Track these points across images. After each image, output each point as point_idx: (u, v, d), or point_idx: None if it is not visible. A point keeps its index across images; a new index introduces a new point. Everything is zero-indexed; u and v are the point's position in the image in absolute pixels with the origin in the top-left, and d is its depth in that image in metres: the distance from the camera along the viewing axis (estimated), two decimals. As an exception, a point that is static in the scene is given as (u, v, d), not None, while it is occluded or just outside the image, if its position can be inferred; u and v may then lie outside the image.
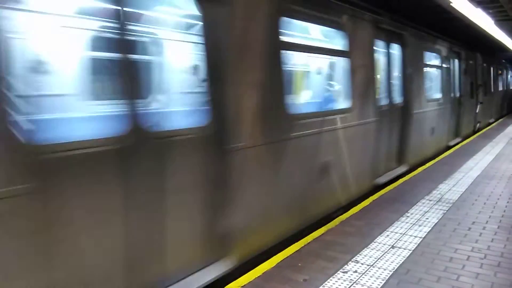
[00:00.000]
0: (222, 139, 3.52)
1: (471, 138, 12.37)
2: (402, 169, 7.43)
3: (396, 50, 7.34)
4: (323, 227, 4.74)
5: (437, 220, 4.98)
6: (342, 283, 3.47)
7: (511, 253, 4.05)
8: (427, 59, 8.81)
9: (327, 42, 5.93)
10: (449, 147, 10.39)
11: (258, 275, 3.62)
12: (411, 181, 6.95)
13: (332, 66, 6.67)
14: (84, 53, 4.45)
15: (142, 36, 4.65)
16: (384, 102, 6.80)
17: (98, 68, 4.49)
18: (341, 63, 5.68)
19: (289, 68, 5.92)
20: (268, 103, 4.04)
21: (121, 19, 2.83)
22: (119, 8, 2.83)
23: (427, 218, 5.05)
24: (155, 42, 4.88)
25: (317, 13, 4.99)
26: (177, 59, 4.89)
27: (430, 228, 4.72)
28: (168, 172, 3.11)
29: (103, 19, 4.09)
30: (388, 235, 4.52)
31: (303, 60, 7.13)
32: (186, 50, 4.87)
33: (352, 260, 3.91)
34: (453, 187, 6.48)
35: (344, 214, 5.20)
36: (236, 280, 3.52)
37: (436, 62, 9.83)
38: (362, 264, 3.83)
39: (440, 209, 5.39)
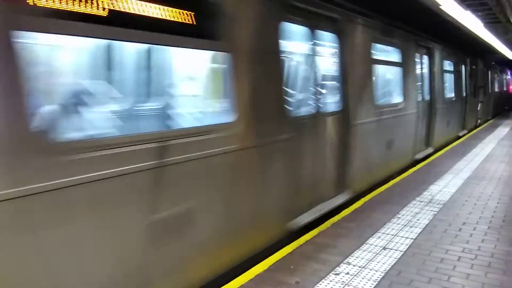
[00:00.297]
0: (349, 118, 5.81)
1: (473, 131, 14.86)
2: (429, 150, 9.78)
3: (437, 61, 10.55)
4: (315, 229, 4.74)
5: (428, 221, 5.01)
6: (334, 285, 3.47)
7: (501, 253, 4.09)
8: (447, 66, 11.65)
9: (393, 58, 7.85)
10: (459, 137, 12.94)
11: (250, 278, 3.61)
12: (402, 183, 6.98)
13: (394, 73, 8.21)
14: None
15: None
16: (420, 98, 9.15)
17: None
18: (397, 71, 8.01)
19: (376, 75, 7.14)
20: (367, 97, 6.46)
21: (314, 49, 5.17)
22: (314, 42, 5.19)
23: (418, 219, 5.08)
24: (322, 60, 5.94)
25: (392, 39, 7.52)
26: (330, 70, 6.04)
27: (421, 229, 4.74)
28: (330, 136, 5.56)
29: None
30: (379, 237, 4.54)
31: (382, 69, 7.76)
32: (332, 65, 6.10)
33: (344, 262, 3.92)
34: (443, 188, 6.53)
35: (335, 216, 5.21)
36: (228, 284, 3.51)
37: (451, 68, 12.26)
38: (354, 266, 3.83)
39: (431, 210, 5.42)
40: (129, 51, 4.07)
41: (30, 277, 2.32)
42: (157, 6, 2.96)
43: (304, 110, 5.06)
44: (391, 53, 7.66)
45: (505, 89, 27.60)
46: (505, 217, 5.14)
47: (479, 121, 16.72)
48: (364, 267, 3.81)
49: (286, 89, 4.55)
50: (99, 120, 3.39)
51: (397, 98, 7.85)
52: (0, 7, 2.12)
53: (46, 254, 2.38)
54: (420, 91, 9.06)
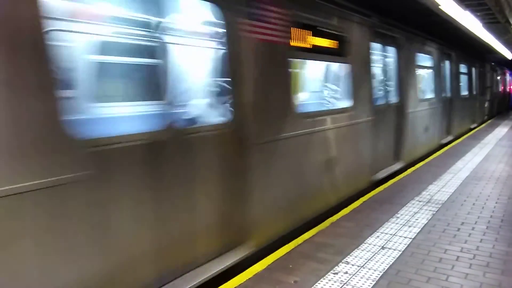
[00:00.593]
0: (404, 108, 8.13)
1: (482, 125, 16.86)
2: (449, 138, 11.95)
3: (464, 67, 13.83)
4: (313, 229, 4.74)
5: (427, 221, 5.01)
6: (332, 284, 3.48)
7: (499, 253, 4.09)
8: (462, 69, 13.61)
9: (428, 63, 10.06)
10: (471, 129, 15.17)
11: (249, 277, 3.61)
12: (401, 182, 6.99)
13: (428, 75, 10.44)
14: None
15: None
16: (444, 95, 11.37)
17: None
18: (431, 73, 10.32)
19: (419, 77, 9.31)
20: (414, 93, 8.76)
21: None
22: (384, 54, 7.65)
23: (416, 219, 5.08)
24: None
25: (427, 49, 9.74)
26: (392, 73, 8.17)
27: (419, 229, 4.75)
28: (393, 120, 7.73)
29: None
30: (378, 236, 4.54)
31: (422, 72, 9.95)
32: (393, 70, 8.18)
33: (342, 261, 3.92)
34: (442, 188, 6.54)
35: (334, 216, 5.21)
36: (226, 283, 3.51)
37: (465, 70, 14.26)
38: (352, 265, 3.84)
39: (430, 210, 5.43)
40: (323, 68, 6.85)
41: None
42: (327, 40, 5.40)
43: (380, 102, 7.25)
44: (428, 60, 9.98)
45: (507, 89, 28.60)
46: (504, 217, 5.14)
47: (485, 117, 18.90)
48: (362, 266, 3.81)
49: (371, 86, 6.67)
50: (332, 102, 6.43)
51: (431, 95, 10.19)
52: (284, 47, 4.42)
53: None
54: (444, 89, 11.36)
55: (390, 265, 3.83)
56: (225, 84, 3.84)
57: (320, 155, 5.15)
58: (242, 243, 3.88)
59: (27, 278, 2.30)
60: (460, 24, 8.50)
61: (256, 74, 3.96)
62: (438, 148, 10.62)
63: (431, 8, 6.72)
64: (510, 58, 19.91)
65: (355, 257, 4.02)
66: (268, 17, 4.10)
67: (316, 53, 5.24)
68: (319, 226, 4.84)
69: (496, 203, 5.75)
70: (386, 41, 7.44)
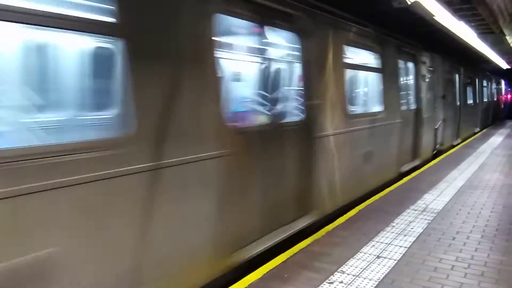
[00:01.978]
0: (421, 113, 9.34)
1: (484, 130, 18.39)
2: (458, 141, 13.37)
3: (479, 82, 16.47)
4: (309, 238, 4.75)
5: (422, 230, 5.02)
6: (327, 294, 3.48)
7: (494, 262, 4.11)
8: (468, 81, 15.18)
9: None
10: (475, 133, 16.51)
11: (244, 286, 3.60)
12: (396, 191, 7.01)
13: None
14: None
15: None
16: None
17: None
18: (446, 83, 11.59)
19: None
20: (431, 101, 10.10)
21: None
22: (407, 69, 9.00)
23: (412, 228, 5.10)
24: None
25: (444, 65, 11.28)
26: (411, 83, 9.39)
27: (415, 238, 4.76)
28: (414, 123, 8.92)
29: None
30: (373, 245, 4.55)
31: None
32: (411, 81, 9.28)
33: (338, 270, 3.92)
34: (437, 197, 6.56)
35: (330, 225, 5.22)
36: (222, 292, 3.50)
37: (470, 82, 15.88)
38: (348, 274, 3.84)
39: (425, 219, 5.44)
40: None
41: None
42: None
43: (404, 107, 8.43)
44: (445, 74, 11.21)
45: (503, 97, 29.47)
46: (498, 226, 5.16)
47: (489, 122, 21.29)
48: (358, 275, 3.81)
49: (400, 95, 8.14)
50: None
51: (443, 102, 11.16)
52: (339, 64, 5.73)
53: None
54: (455, 98, 13.22)
55: (386, 274, 3.84)
56: (301, 92, 5.18)
57: (362, 148, 6.45)
58: (419, 158, 8.17)
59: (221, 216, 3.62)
60: (455, 34, 8.59)
61: (320, 85, 5.25)
62: (450, 148, 12.06)
63: (426, 19, 6.80)
64: (504, 68, 20.09)
65: (351, 266, 4.02)
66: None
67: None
68: (314, 235, 4.85)
69: (491, 212, 5.77)
70: (407, 57, 8.65)
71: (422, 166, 9.26)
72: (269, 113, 4.57)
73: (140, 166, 2.84)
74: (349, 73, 6.24)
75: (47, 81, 4.43)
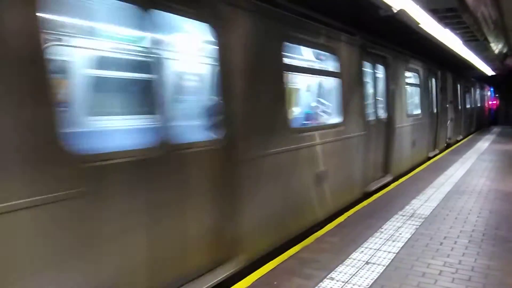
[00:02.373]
0: (425, 119, 11.07)
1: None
2: (459, 137, 14.47)
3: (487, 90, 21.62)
4: (298, 244, 4.74)
5: (410, 235, 5.06)
6: (317, 300, 3.47)
7: (481, 267, 4.14)
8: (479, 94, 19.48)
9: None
10: (471, 132, 18.62)
11: (233, 294, 3.58)
12: (385, 197, 7.05)
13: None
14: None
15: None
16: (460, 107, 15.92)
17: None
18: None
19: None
20: (429, 105, 11.68)
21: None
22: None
23: (400, 234, 5.13)
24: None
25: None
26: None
27: (403, 244, 4.79)
28: (420, 128, 10.63)
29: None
30: (362, 251, 4.56)
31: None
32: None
33: (327, 277, 3.92)
34: (425, 202, 6.61)
35: (319, 231, 5.23)
36: (211, 300, 3.47)
37: (467, 90, 18.48)
38: (337, 281, 3.84)
39: (413, 224, 5.48)
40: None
41: None
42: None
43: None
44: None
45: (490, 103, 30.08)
46: (485, 231, 5.22)
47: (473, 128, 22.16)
48: (347, 282, 3.82)
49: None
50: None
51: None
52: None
53: None
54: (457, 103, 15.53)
55: (374, 280, 3.85)
56: (384, 100, 6.99)
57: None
58: (436, 148, 12.24)
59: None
60: (441, 41, 8.72)
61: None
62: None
63: (411, 27, 6.89)
64: (489, 75, 20.41)
65: (340, 272, 4.02)
66: None
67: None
68: (303, 241, 4.85)
69: (477, 217, 5.84)
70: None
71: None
72: None
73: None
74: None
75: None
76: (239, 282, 3.80)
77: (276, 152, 4.56)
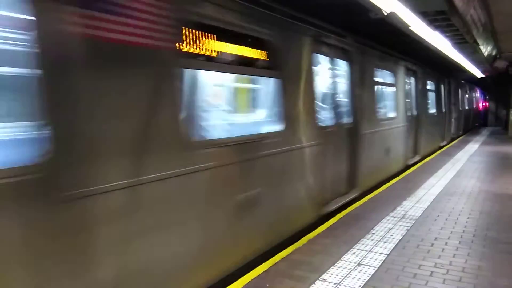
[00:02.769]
0: (418, 121, 11.73)
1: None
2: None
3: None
4: (290, 246, 4.75)
5: (401, 237, 5.08)
6: (309, 302, 3.47)
7: (472, 268, 4.18)
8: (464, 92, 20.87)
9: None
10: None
11: (225, 297, 3.57)
12: (376, 198, 7.08)
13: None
14: None
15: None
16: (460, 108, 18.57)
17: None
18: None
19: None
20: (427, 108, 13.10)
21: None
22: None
23: (391, 235, 5.15)
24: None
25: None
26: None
27: (394, 245, 4.81)
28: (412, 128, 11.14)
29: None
30: (354, 253, 4.58)
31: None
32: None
33: (319, 279, 3.93)
34: (416, 204, 6.66)
35: (311, 233, 5.23)
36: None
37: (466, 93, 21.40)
38: (329, 282, 3.85)
39: (404, 226, 5.51)
40: None
41: None
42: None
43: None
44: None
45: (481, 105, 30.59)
46: (476, 232, 5.27)
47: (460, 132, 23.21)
48: (339, 283, 3.83)
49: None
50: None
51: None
52: None
53: None
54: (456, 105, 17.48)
55: (366, 281, 3.86)
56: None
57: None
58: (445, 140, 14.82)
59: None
60: (431, 44, 8.79)
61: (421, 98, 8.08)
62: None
63: (402, 29, 6.94)
64: (479, 77, 20.64)
65: (332, 274, 4.03)
66: None
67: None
68: (296, 244, 4.85)
69: (468, 218, 5.88)
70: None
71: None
72: None
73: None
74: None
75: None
76: (232, 285, 3.79)
77: (372, 132, 7.58)
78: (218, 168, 3.80)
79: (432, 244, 4.84)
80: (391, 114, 9.36)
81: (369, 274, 4.03)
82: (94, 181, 2.68)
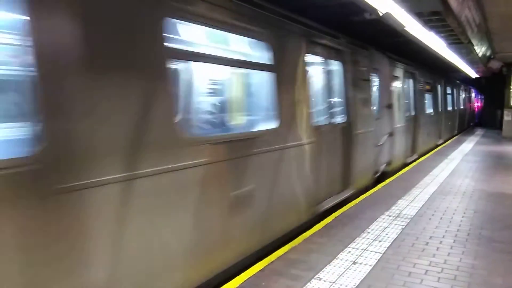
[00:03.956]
0: (417, 121, 12.07)
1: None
2: (455, 133, 15.63)
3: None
4: (286, 245, 4.76)
5: (396, 236, 5.12)
6: (305, 301, 3.49)
7: (466, 266, 4.21)
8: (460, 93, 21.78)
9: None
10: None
11: (221, 295, 3.58)
12: (371, 197, 7.11)
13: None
14: None
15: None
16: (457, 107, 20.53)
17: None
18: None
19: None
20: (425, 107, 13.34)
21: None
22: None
23: (386, 234, 5.18)
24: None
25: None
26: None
27: (389, 244, 4.84)
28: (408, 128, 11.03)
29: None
30: (349, 251, 4.60)
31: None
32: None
33: (315, 277, 3.95)
34: (411, 203, 6.69)
35: (307, 232, 5.25)
36: (199, 302, 3.45)
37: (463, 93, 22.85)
38: (324, 281, 3.87)
39: (399, 225, 5.55)
40: None
41: None
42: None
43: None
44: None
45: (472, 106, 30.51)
46: (470, 231, 5.30)
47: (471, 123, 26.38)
48: (334, 282, 3.85)
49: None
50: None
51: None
52: None
53: None
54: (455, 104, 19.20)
55: (361, 280, 3.89)
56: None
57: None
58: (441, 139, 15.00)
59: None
60: (426, 44, 8.84)
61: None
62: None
63: (398, 30, 6.98)
64: (474, 77, 20.76)
65: (327, 273, 4.05)
66: None
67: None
68: (291, 242, 4.87)
69: (462, 217, 5.93)
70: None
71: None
72: None
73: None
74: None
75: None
76: (227, 284, 3.80)
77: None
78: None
79: (427, 243, 4.88)
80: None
81: (365, 272, 4.05)
82: (358, 129, 6.79)
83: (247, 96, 5.35)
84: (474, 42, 10.84)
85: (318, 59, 6.18)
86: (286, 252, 4.57)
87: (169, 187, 3.32)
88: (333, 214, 6.04)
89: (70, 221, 2.58)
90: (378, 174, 8.52)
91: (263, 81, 4.89)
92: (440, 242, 4.90)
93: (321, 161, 5.98)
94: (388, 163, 9.12)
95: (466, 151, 13.64)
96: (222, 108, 5.29)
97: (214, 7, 3.88)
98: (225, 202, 3.99)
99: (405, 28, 6.88)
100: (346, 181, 6.87)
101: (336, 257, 4.43)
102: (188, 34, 4.33)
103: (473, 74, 19.27)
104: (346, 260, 4.35)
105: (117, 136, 2.90)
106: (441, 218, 5.85)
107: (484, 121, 28.53)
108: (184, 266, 3.53)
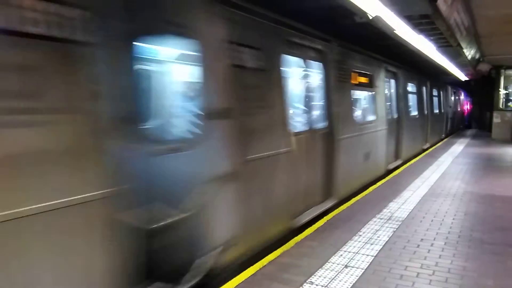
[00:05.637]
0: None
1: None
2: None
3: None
4: (278, 249, 4.74)
5: (388, 238, 5.12)
6: (297, 305, 3.47)
7: (457, 268, 4.22)
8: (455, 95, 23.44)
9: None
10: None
11: (213, 301, 3.55)
12: (363, 200, 7.12)
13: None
14: None
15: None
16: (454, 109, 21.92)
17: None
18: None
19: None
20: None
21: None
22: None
23: (378, 237, 5.18)
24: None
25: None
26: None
27: (381, 246, 4.84)
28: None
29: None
30: (341, 255, 4.59)
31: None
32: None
33: (307, 281, 3.93)
34: (402, 205, 6.71)
35: (299, 235, 5.24)
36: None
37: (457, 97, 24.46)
38: (316, 285, 3.85)
39: (391, 227, 5.55)
40: None
41: None
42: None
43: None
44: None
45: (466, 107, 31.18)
46: (461, 233, 5.33)
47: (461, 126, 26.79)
48: (326, 286, 3.83)
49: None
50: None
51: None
52: None
53: None
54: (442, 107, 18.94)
55: (353, 283, 3.87)
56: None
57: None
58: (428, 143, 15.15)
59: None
60: (415, 47, 8.90)
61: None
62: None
63: (387, 33, 7.01)
64: (463, 80, 20.96)
65: (319, 276, 4.04)
66: None
67: None
68: (283, 246, 4.85)
69: (453, 219, 5.95)
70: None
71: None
72: None
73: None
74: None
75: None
76: (219, 289, 3.77)
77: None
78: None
79: (418, 246, 4.88)
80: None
81: (356, 276, 4.04)
82: (340, 135, 7.00)
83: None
84: (463, 45, 10.93)
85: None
86: (278, 256, 4.55)
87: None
88: (324, 218, 6.03)
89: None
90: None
91: None
92: (431, 245, 4.91)
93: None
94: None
95: (456, 153, 13.73)
96: None
97: None
98: None
99: (394, 31, 6.92)
100: (457, 124, 13.53)
101: (328, 261, 4.42)
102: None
103: (462, 76, 19.44)
104: (338, 264, 4.34)
105: (349, 115, 7.25)
106: (432, 221, 5.87)
107: (474, 124, 28.79)
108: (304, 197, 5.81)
